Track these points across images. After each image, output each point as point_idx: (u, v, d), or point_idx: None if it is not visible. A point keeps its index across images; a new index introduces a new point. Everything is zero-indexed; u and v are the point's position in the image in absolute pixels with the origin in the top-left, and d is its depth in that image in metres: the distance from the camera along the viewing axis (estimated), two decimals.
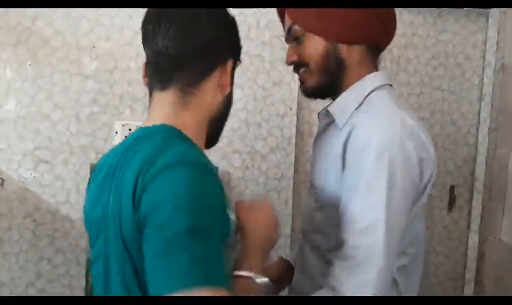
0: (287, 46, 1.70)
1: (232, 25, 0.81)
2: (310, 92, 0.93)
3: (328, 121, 0.93)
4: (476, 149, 2.01)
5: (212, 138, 0.83)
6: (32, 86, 1.54)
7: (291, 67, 0.96)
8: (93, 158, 1.57)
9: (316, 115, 1.79)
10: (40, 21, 1.51)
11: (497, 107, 1.96)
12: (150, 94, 0.77)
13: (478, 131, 2.01)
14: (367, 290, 0.76)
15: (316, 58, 0.89)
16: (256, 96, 1.69)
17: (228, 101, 0.81)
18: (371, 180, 0.78)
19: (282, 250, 1.78)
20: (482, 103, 1.99)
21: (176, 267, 0.58)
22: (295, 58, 0.92)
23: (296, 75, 1.58)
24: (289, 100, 1.72)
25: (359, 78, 0.90)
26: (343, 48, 0.88)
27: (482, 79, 1.98)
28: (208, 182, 0.64)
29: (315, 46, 0.88)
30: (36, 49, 1.52)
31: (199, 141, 0.76)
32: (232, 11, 1.73)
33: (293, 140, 1.74)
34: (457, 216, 2.03)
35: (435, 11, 1.90)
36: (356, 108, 0.87)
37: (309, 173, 1.01)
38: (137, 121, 1.58)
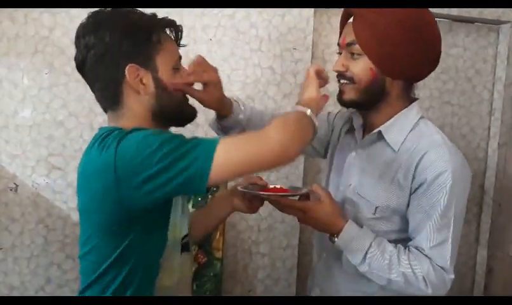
0: (297, 58, 1.74)
1: (129, 31, 0.84)
2: (347, 102, 1.03)
3: (373, 139, 1.05)
4: (486, 164, 2.01)
5: (180, 118, 0.94)
6: (47, 94, 1.57)
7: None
8: None
9: None
10: (58, 31, 1.55)
11: (506, 122, 1.95)
12: None
13: (487, 145, 2.01)
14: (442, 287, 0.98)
15: (364, 78, 0.98)
16: (267, 107, 1.70)
17: (164, 89, 0.87)
18: (445, 207, 0.95)
19: (291, 261, 1.79)
20: (492, 118, 1.99)
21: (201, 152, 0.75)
22: (343, 69, 1.00)
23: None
24: None
25: (400, 105, 1.03)
26: (388, 80, 1.00)
27: (492, 93, 1.98)
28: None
29: (367, 69, 0.98)
30: (53, 59, 1.56)
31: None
32: (244, 26, 1.76)
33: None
34: (465, 231, 2.02)
35: (446, 25, 1.91)
36: (407, 135, 1.01)
37: (348, 181, 1.10)
38: None
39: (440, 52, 1.02)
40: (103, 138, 0.81)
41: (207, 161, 0.74)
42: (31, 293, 1.63)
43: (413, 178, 0.97)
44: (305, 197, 1.02)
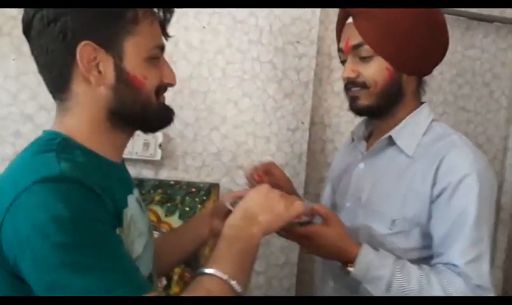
0: (301, 53, 1.60)
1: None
2: (362, 110, 0.95)
3: (383, 146, 0.97)
4: (503, 177, 1.84)
5: (148, 124, 0.74)
6: (14, 84, 1.37)
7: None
8: None
9: (329, 132, 1.65)
10: None
11: None
12: None
13: (504, 156, 1.84)
14: None
15: (380, 80, 0.91)
16: (266, 107, 1.52)
17: (128, 83, 0.67)
18: (477, 215, 0.84)
19: (289, 280, 1.60)
20: (511, 127, 1.82)
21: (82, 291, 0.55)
22: (353, 75, 0.92)
23: (310, 87, 1.59)
24: (301, 113, 1.55)
25: (412, 105, 0.96)
26: (404, 77, 0.92)
27: (511, 100, 1.82)
28: (68, 195, 0.57)
29: (382, 70, 0.90)
30: (20, 42, 1.35)
31: (100, 140, 0.69)
32: (243, 14, 1.55)
33: (304, 158, 1.57)
34: None
35: (463, 24, 1.75)
36: (421, 138, 0.93)
37: (357, 194, 0.99)
38: None
39: (448, 39, 0.97)
40: (16, 169, 0.63)
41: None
42: None
43: (434, 184, 0.87)
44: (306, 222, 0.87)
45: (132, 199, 0.72)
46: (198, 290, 0.62)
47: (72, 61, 0.65)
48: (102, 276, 0.55)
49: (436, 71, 1.71)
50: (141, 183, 1.38)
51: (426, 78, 1.71)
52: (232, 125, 1.50)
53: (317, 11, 1.53)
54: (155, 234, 1.35)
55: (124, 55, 0.66)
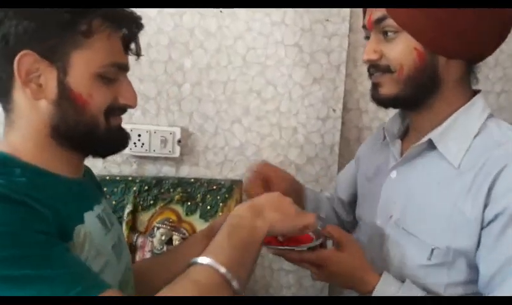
0: (331, 32, 1.46)
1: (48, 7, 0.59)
2: (385, 100, 0.78)
3: (421, 151, 0.78)
4: None
5: (95, 147, 0.68)
6: None
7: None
8: (100, 167, 1.36)
9: (366, 118, 1.48)
10: None
11: None
12: None
13: None
14: None
15: (407, 64, 0.73)
16: (292, 95, 1.39)
17: (71, 100, 0.62)
18: None
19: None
20: None
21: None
22: (375, 57, 0.76)
23: (342, 70, 1.38)
24: (332, 99, 1.40)
25: (457, 98, 0.76)
26: (442, 60, 0.73)
27: None
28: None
29: (409, 49, 0.72)
30: None
31: (48, 156, 0.64)
32: None
33: (336, 149, 1.43)
34: None
35: None
36: (471, 142, 0.73)
37: (388, 211, 0.82)
38: (149, 125, 1.33)
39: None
40: None
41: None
42: None
43: (486, 205, 0.69)
44: (320, 245, 0.78)
45: (91, 216, 0.67)
46: (182, 281, 0.56)
47: (12, 70, 0.60)
48: (51, 284, 0.51)
49: None
50: (159, 181, 1.32)
51: None
52: (255, 116, 1.39)
53: None
54: (175, 234, 1.30)
55: (69, 69, 0.61)
